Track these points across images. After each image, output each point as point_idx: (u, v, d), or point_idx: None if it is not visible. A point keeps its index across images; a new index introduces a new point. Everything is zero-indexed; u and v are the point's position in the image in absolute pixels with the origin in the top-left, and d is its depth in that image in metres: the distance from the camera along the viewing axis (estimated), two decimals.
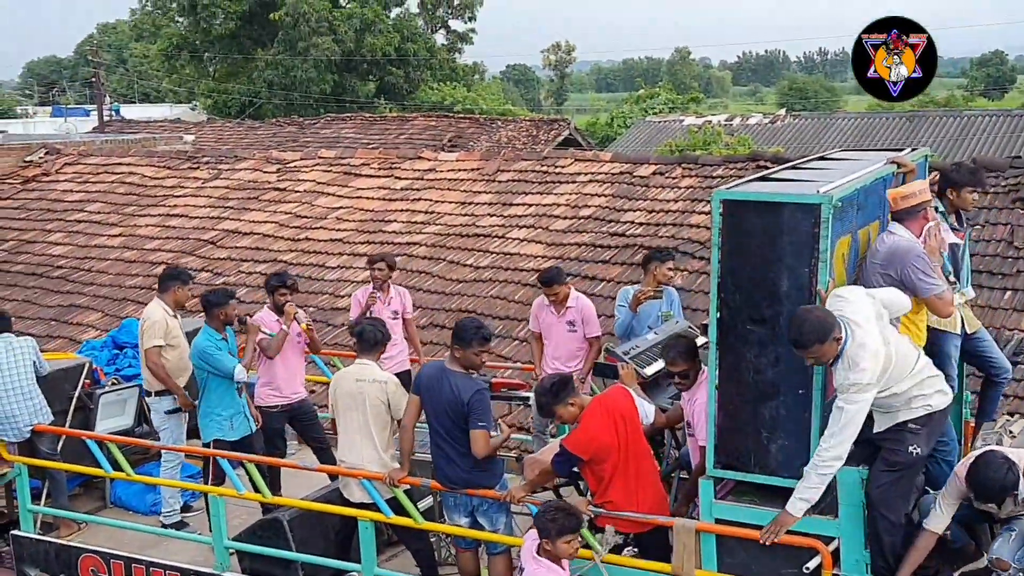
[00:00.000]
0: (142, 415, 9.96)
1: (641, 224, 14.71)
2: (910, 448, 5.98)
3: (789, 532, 5.94)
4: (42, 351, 9.87)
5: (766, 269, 5.93)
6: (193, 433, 9.15)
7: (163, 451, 9.08)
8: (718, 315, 6.04)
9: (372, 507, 7.40)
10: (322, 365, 10.74)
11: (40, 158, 21.55)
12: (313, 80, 44.37)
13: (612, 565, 6.50)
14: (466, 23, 49.98)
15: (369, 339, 7.58)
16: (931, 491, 6.45)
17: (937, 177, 7.61)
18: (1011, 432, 7.01)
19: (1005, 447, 6.35)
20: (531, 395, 8.64)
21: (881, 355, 5.77)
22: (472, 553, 7.30)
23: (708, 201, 11.33)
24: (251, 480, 8.14)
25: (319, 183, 18.35)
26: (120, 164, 20.86)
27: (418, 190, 17.28)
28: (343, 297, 14.04)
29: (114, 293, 16.02)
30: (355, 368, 7.59)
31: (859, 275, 6.49)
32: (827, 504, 6.03)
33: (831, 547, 5.93)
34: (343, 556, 7.72)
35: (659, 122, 39.79)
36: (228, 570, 8.01)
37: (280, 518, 7.87)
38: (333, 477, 8.08)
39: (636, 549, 6.56)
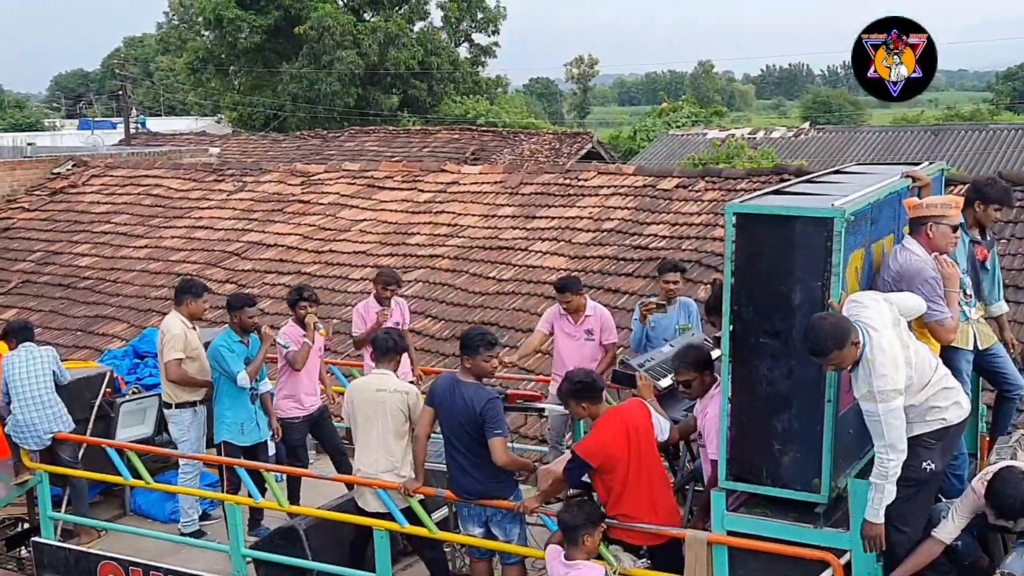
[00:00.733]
0: (162, 424, 10.04)
1: (664, 237, 14.72)
2: (924, 464, 5.94)
3: (800, 545, 5.95)
4: (67, 361, 9.99)
5: (779, 282, 5.94)
6: (212, 443, 9.24)
7: (180, 460, 9.17)
8: (731, 328, 6.05)
9: (387, 517, 7.45)
10: (340, 375, 10.82)
11: (68, 170, 21.80)
12: (337, 93, 44.60)
13: None
14: (489, 36, 50.14)
15: (381, 346, 7.64)
16: (941, 498, 6.43)
17: (964, 188, 7.53)
18: None
19: (1021, 462, 6.32)
20: (546, 407, 8.71)
21: (901, 360, 5.74)
22: (486, 563, 7.33)
23: None
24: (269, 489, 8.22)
25: (343, 195, 18.47)
26: (146, 176, 21.07)
27: (441, 203, 17.35)
28: None
29: (139, 304, 16.17)
30: (374, 378, 7.64)
31: (872, 288, 6.48)
32: (839, 517, 6.03)
33: (843, 560, 5.93)
34: (357, 565, 7.77)
35: (682, 135, 39.82)
36: None
37: (296, 527, 7.93)
38: (350, 486, 8.14)
39: (648, 561, 6.58)
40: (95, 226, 19.22)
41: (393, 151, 29.45)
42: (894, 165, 7.87)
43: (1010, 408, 7.45)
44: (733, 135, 36.06)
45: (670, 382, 7.59)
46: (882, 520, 5.82)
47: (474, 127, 34.97)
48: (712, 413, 6.47)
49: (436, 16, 48.90)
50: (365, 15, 47.00)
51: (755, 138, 36.34)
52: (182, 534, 9.06)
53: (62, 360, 9.57)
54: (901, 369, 5.73)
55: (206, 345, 9.08)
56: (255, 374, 8.76)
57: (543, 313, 9.97)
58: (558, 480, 6.84)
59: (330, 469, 9.27)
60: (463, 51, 50.57)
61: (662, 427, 6.80)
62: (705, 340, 8.46)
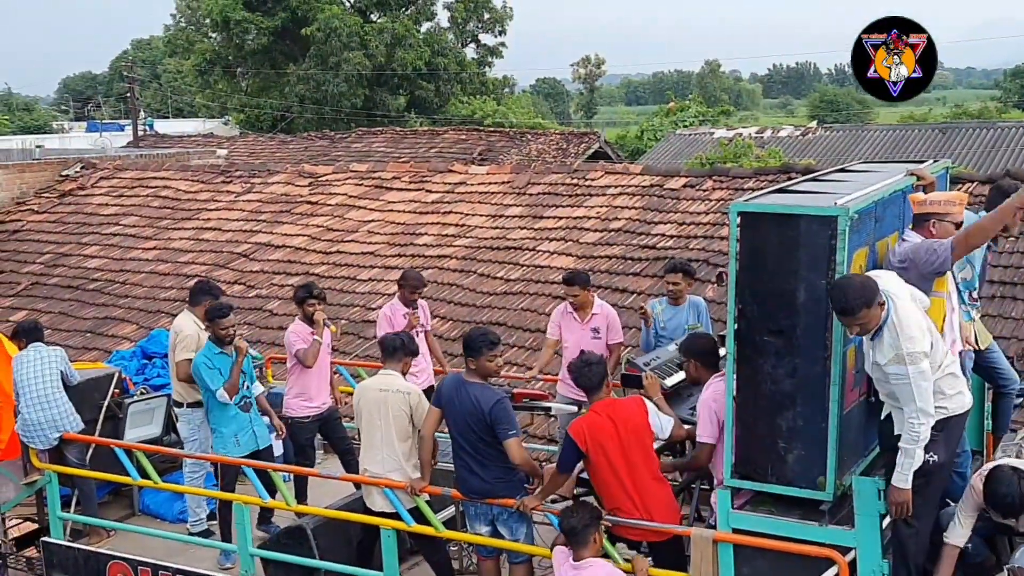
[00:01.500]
0: (170, 424, 10.10)
1: (672, 237, 14.75)
2: (927, 456, 5.95)
3: (804, 543, 5.96)
4: (77, 362, 10.04)
5: (783, 281, 5.95)
6: None
7: (185, 460, 9.21)
8: (736, 326, 6.06)
9: (394, 516, 7.48)
10: (347, 376, 10.86)
11: (76, 172, 21.89)
12: (344, 94, 44.70)
13: None
14: (496, 37, 50.23)
15: (388, 347, 7.68)
16: (949, 502, 6.44)
17: (988, 188, 7.44)
18: None
19: (1020, 461, 6.33)
20: (553, 406, 8.73)
21: (924, 326, 5.80)
22: (493, 561, 7.34)
23: None
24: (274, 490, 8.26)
25: (351, 196, 18.53)
26: (154, 178, 21.16)
27: (449, 203, 17.40)
28: (374, 310, 14.14)
29: (148, 305, 16.25)
30: (379, 378, 7.67)
31: None
32: (844, 515, 6.04)
33: (848, 557, 5.93)
34: (364, 564, 7.80)
35: (689, 135, 39.75)
36: None
37: (304, 526, 7.97)
38: (357, 486, 8.17)
39: (650, 558, 6.60)
40: (104, 228, 19.31)
41: (400, 152, 29.49)
42: (899, 163, 7.87)
43: (1008, 403, 7.46)
44: (740, 134, 36.01)
45: (676, 380, 7.62)
46: (909, 486, 5.81)
47: (481, 127, 34.96)
48: (704, 396, 6.62)
49: (443, 17, 49.06)
50: (372, 16, 47.06)
51: (762, 137, 36.28)
52: (190, 534, 9.10)
53: (71, 362, 9.62)
54: (925, 334, 5.78)
55: None
56: (233, 389, 8.61)
57: (551, 313, 9.98)
58: (555, 475, 6.85)
59: (338, 468, 9.31)
60: (470, 52, 50.61)
61: (663, 425, 6.78)
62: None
